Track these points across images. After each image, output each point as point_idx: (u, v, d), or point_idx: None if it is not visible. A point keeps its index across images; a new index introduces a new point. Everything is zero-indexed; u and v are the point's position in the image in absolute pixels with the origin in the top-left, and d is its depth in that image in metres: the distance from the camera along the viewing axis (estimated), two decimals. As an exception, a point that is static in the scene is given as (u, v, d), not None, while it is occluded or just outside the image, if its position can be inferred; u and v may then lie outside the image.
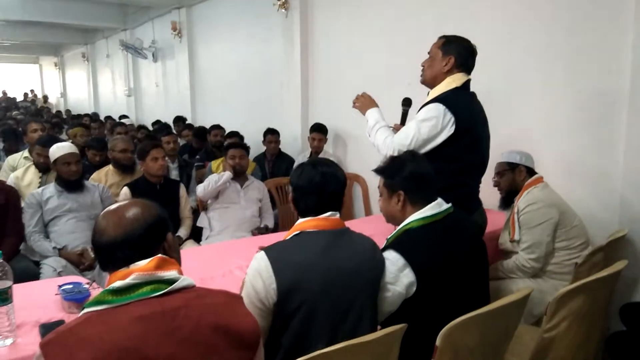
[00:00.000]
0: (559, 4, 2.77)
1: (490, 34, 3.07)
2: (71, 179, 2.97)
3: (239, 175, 3.50)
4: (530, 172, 2.58)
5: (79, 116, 9.72)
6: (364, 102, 2.37)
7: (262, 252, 1.48)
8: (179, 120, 6.80)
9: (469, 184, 2.21)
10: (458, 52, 2.15)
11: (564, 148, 2.80)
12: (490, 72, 2.92)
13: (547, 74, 2.86)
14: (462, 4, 3.31)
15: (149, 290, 1.04)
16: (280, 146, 4.86)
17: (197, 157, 5.01)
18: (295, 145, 5.03)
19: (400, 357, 1.49)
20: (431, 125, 2.05)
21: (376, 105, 2.35)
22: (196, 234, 3.50)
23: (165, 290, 1.05)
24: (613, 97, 2.54)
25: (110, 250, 1.09)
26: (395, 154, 2.04)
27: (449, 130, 2.04)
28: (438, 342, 1.42)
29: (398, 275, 1.58)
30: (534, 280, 2.45)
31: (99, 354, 0.96)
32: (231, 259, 2.25)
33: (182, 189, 3.50)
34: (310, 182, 1.55)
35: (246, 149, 3.65)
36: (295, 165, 4.58)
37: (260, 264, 1.45)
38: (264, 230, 3.44)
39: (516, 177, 2.57)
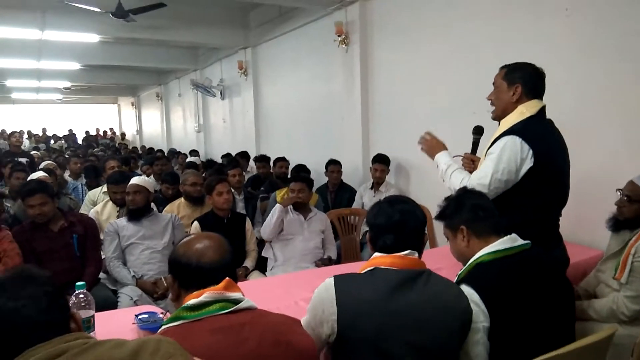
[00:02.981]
0: (633, 23, 2.65)
1: (560, 59, 2.97)
2: (131, 207, 3.18)
3: (300, 208, 3.55)
4: None
5: (151, 151, 10.37)
6: (431, 145, 2.27)
7: (331, 280, 1.45)
8: (243, 156, 7.02)
9: (549, 220, 2.08)
10: (524, 79, 2.03)
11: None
12: (561, 99, 2.81)
13: (625, 100, 2.71)
14: (523, 29, 3.24)
15: (218, 307, 1.18)
16: (342, 177, 4.90)
17: (262, 188, 5.14)
18: (356, 175, 5.06)
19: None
20: (509, 160, 1.92)
21: (444, 148, 2.25)
22: (261, 265, 3.56)
23: (232, 308, 1.18)
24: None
25: (209, 272, 1.23)
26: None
27: (529, 163, 1.91)
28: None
29: (479, 312, 1.50)
30: (629, 326, 2.14)
31: None
32: (296, 290, 2.27)
33: (248, 223, 3.60)
34: (388, 220, 1.51)
35: (308, 182, 3.67)
36: (357, 196, 4.62)
37: (327, 293, 1.43)
38: (327, 262, 3.45)
39: None
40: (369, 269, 1.50)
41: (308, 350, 1.23)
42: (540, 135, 1.98)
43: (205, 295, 1.17)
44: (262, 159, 5.99)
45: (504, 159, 1.92)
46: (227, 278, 1.22)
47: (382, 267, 1.47)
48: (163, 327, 1.19)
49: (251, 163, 6.81)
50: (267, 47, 7.24)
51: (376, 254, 1.53)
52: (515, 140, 1.92)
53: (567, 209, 2.18)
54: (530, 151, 1.91)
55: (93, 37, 6.73)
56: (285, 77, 6.85)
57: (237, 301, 1.20)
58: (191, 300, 1.17)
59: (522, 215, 1.75)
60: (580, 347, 1.43)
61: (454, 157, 2.30)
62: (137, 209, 3.18)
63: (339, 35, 4.97)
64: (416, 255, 1.51)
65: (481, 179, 1.95)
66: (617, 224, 2.30)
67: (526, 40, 3.22)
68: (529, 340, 1.52)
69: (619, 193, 2.28)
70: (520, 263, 1.62)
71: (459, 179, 2.07)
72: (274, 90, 7.27)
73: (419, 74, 4.30)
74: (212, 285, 1.20)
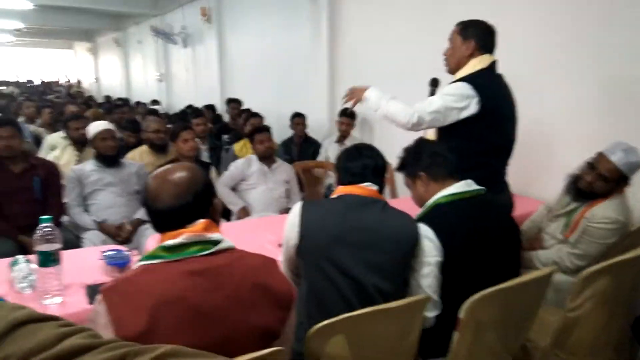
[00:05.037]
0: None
1: (520, 18, 3.06)
2: (107, 153, 3.10)
3: (265, 158, 3.57)
4: None
5: (108, 99, 10.07)
6: (358, 90, 2.34)
7: (301, 202, 1.64)
8: (209, 108, 6.96)
9: (493, 165, 2.22)
10: (477, 35, 2.17)
11: (589, 132, 2.79)
12: (518, 55, 2.93)
13: (576, 58, 2.83)
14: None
15: (197, 249, 1.14)
16: (307, 131, 4.93)
17: (227, 139, 5.11)
18: (321, 130, 5.08)
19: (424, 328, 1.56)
20: (455, 100, 2.07)
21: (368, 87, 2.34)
22: (225, 214, 3.60)
23: (212, 250, 1.15)
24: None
25: (165, 216, 1.17)
26: (415, 120, 2.10)
27: (473, 108, 2.07)
28: (461, 314, 1.47)
29: (432, 247, 1.62)
30: (570, 275, 2.28)
31: (154, 301, 1.05)
32: (262, 234, 2.33)
33: (213, 171, 3.60)
34: (354, 161, 1.69)
35: (269, 130, 3.70)
36: (322, 149, 4.68)
37: (295, 211, 1.62)
38: (292, 211, 3.51)
39: (617, 188, 2.20)
40: (334, 196, 1.67)
41: (284, 293, 1.23)
42: (489, 85, 2.12)
43: (184, 236, 1.13)
44: (233, 101, 6.10)
45: (449, 97, 2.08)
46: (206, 219, 1.17)
47: (345, 193, 1.65)
48: (140, 263, 1.14)
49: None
50: (233, -6, 7.01)
51: (340, 187, 1.69)
52: (464, 85, 2.08)
53: (518, 162, 2.31)
54: (477, 97, 2.06)
55: (47, -26, 6.34)
56: (250, 27, 6.67)
57: (216, 242, 1.17)
58: (169, 241, 1.13)
59: (467, 160, 1.87)
60: (524, 282, 1.56)
61: None
62: (112, 156, 3.12)
63: (307, -15, 4.88)
64: (376, 188, 1.67)
65: (425, 107, 2.11)
66: (580, 194, 2.28)
67: (493, 4, 3.27)
68: (478, 276, 1.63)
69: (586, 164, 2.25)
70: (474, 205, 1.73)
71: (399, 105, 2.17)
72: (240, 40, 7.08)
73: (386, 30, 4.29)
74: (173, 228, 1.15)
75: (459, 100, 2.07)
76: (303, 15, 5.23)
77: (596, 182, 2.20)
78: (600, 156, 2.20)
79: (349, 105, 2.40)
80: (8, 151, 2.80)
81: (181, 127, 3.46)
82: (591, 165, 2.23)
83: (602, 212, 2.19)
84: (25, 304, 0.82)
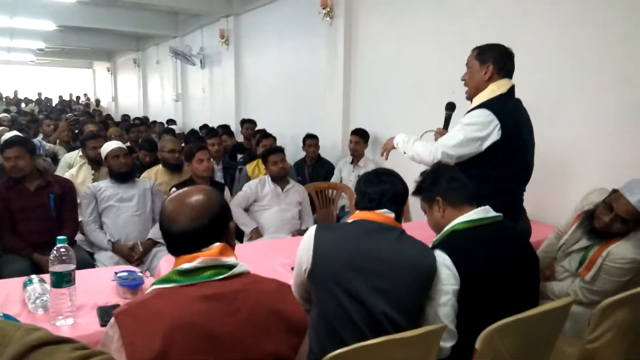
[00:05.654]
0: (613, 10, 2.73)
1: (539, 39, 3.06)
2: (121, 170, 3.17)
3: (278, 179, 3.58)
4: None
5: (127, 118, 10.20)
6: (389, 140, 2.44)
7: (315, 226, 1.64)
8: (224, 128, 7.02)
9: (513, 191, 2.19)
10: (494, 58, 2.14)
11: (606, 158, 2.76)
12: (538, 78, 2.92)
13: (598, 81, 2.81)
14: (509, 10, 3.30)
15: (212, 273, 1.14)
16: (320, 152, 4.94)
17: (241, 159, 5.14)
18: (335, 151, 5.10)
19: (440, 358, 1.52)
20: (477, 129, 2.04)
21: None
22: (238, 235, 3.59)
23: (226, 274, 1.15)
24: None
25: (181, 239, 1.17)
26: (439, 155, 2.08)
27: (495, 135, 2.04)
28: (477, 345, 1.44)
29: (450, 275, 1.59)
30: (585, 307, 2.22)
31: (167, 326, 1.04)
32: (274, 256, 2.32)
33: (226, 192, 3.61)
34: (373, 186, 1.69)
35: (283, 151, 3.71)
36: (336, 170, 4.69)
37: (309, 235, 1.63)
38: (304, 233, 3.49)
39: (636, 227, 2.08)
40: (350, 221, 1.67)
41: (298, 320, 1.21)
42: (509, 111, 2.10)
43: (199, 260, 1.13)
44: (248, 121, 6.11)
45: (471, 127, 2.05)
46: (222, 243, 1.18)
47: (360, 219, 1.65)
48: (154, 286, 1.14)
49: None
50: (250, 17, 7.12)
51: (357, 212, 1.69)
52: (485, 113, 2.05)
53: (535, 187, 2.28)
54: (498, 124, 2.03)
55: (70, -4, 6.52)
56: (267, 49, 6.77)
57: (231, 266, 1.16)
58: (184, 265, 1.13)
59: (488, 187, 1.85)
60: (543, 312, 1.52)
61: (426, 132, 2.43)
62: (127, 172, 3.20)
63: (323, 8, 4.94)
64: (393, 215, 1.65)
65: (447, 141, 2.10)
66: (597, 232, 2.17)
67: (507, 21, 3.28)
68: (496, 305, 1.60)
69: (603, 204, 2.14)
70: (492, 232, 1.70)
71: (423, 144, 2.19)
72: (256, 62, 7.18)
73: (403, 51, 4.32)
74: (189, 252, 1.15)
75: (481, 129, 2.04)
76: (320, 37, 5.29)
77: (614, 223, 2.07)
78: (618, 196, 2.06)
79: (384, 156, 2.49)
80: (16, 171, 2.79)
81: (197, 147, 3.48)
82: (608, 206, 2.10)
83: (621, 251, 2.09)
84: (37, 324, 0.83)
